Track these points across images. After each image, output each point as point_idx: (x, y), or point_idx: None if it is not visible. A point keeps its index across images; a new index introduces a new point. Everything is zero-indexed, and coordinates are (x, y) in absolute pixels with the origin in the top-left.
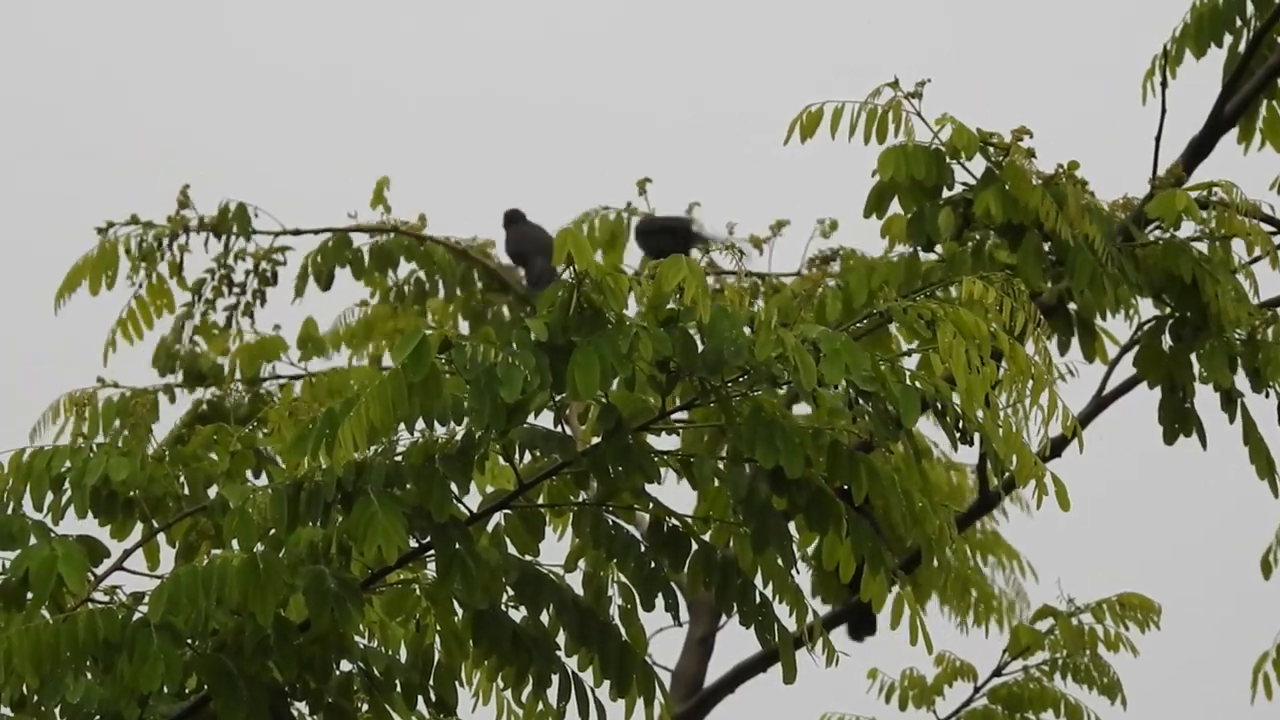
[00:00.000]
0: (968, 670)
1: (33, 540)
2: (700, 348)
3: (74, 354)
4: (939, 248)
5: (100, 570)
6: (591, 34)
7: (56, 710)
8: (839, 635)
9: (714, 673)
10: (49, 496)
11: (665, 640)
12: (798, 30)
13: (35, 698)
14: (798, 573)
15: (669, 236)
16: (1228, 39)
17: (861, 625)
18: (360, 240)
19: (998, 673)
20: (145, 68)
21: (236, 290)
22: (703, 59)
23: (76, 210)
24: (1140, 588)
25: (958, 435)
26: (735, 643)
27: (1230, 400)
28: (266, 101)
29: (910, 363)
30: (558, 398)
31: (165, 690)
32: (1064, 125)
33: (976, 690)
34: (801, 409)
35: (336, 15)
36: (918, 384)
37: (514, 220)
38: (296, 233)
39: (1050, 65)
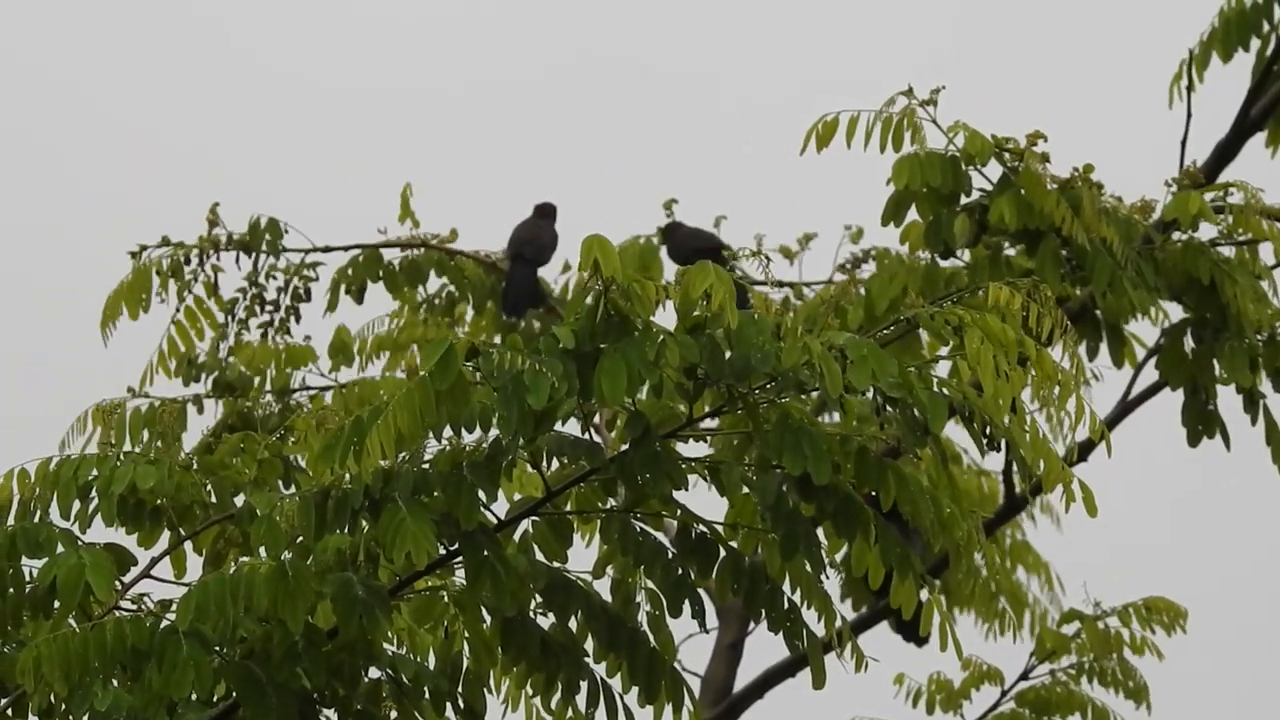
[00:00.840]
0: (994, 674)
1: (60, 549)
2: (728, 355)
3: (87, 365)
4: (965, 253)
5: (128, 578)
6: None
7: (85, 718)
8: (868, 640)
9: (743, 678)
10: (76, 505)
11: (694, 646)
12: (793, 28)
13: (63, 706)
14: (826, 578)
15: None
16: (1254, 43)
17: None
18: (390, 254)
19: (1024, 676)
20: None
21: (270, 308)
22: (698, 58)
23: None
24: (1169, 592)
25: (985, 441)
26: (764, 648)
27: (1253, 401)
28: (264, 105)
29: (942, 369)
30: (585, 405)
31: (194, 698)
32: (1065, 123)
33: (1004, 694)
34: (833, 417)
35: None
36: (945, 390)
37: (539, 214)
38: (327, 249)
39: (1050, 62)
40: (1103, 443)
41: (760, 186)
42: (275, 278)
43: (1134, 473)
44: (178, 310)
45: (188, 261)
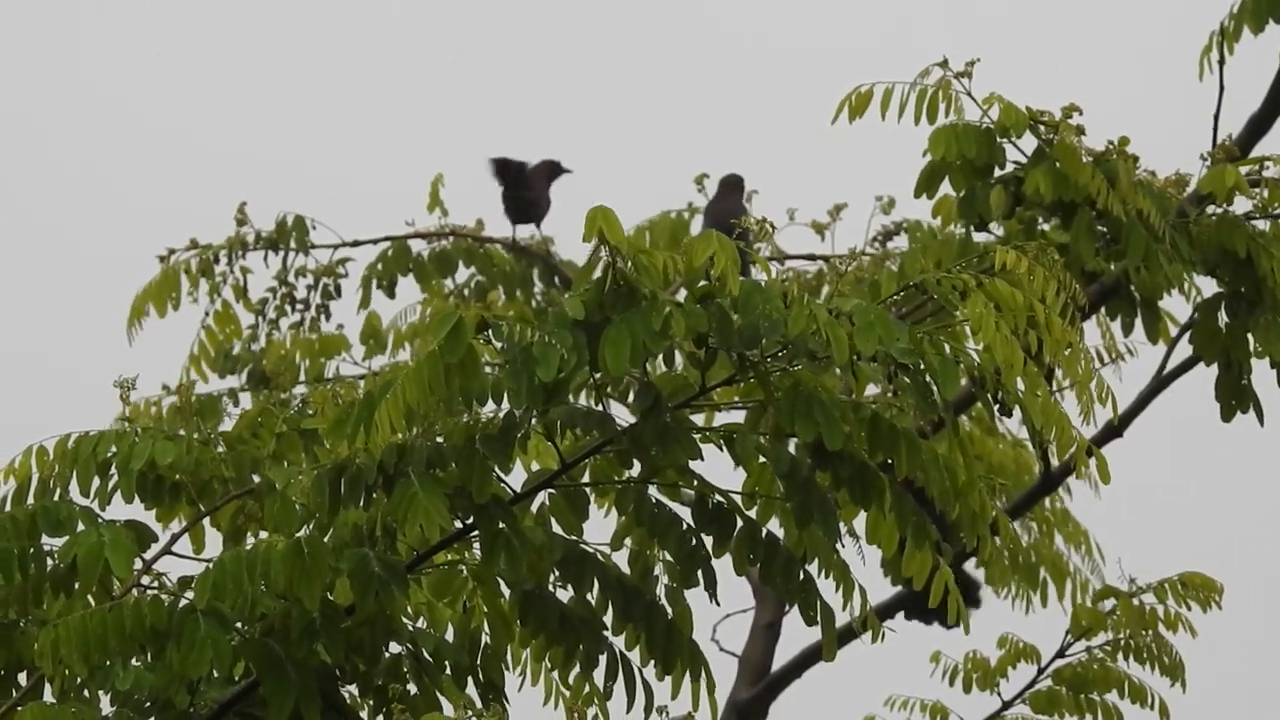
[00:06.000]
0: (1031, 652)
1: (80, 526)
2: (736, 323)
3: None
4: (996, 227)
5: (149, 555)
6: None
7: (107, 698)
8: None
9: (781, 657)
10: (95, 482)
11: (732, 626)
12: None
13: (84, 689)
14: (843, 546)
15: None
16: None
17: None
18: (419, 245)
19: (1061, 654)
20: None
21: (300, 307)
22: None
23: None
24: (1207, 567)
25: (996, 407)
26: (802, 628)
27: None
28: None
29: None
30: (595, 376)
31: (214, 675)
32: (1091, 96)
33: (1040, 672)
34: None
35: None
36: (957, 355)
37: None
38: (355, 244)
39: (1078, 33)
40: (1110, 410)
41: (787, 153)
42: (305, 276)
43: (1178, 446)
44: (207, 314)
45: (216, 261)
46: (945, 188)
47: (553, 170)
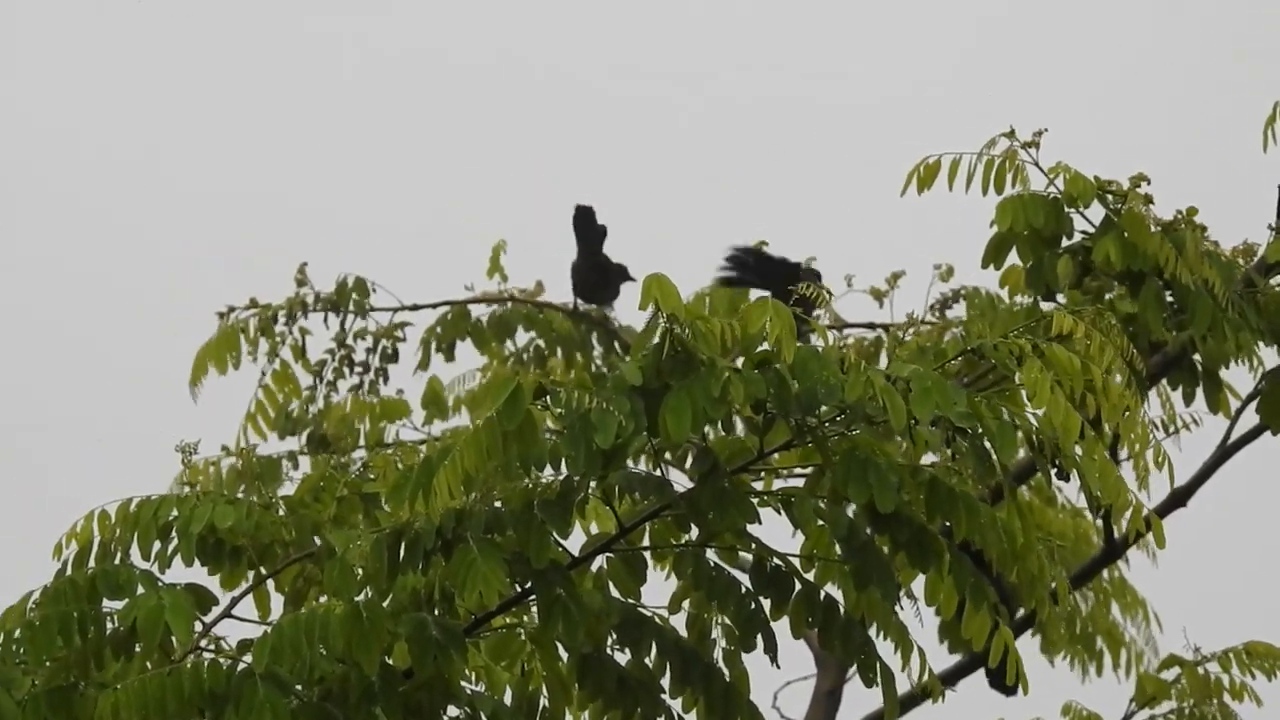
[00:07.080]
0: None
1: (140, 590)
2: (794, 389)
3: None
4: (1060, 296)
5: (209, 618)
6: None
7: None
8: (968, 685)
9: None
10: (156, 545)
11: (793, 693)
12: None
13: None
14: (901, 609)
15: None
16: None
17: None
18: (479, 310)
19: None
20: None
21: (359, 369)
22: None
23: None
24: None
25: (1054, 471)
26: (863, 695)
27: None
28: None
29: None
30: (654, 441)
31: None
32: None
33: None
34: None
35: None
36: (1015, 420)
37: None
38: (415, 308)
39: (1077, 33)
40: (1168, 476)
41: (842, 212)
42: (364, 338)
43: (1234, 516)
44: (265, 374)
45: (275, 321)
46: (1012, 257)
47: (622, 272)
